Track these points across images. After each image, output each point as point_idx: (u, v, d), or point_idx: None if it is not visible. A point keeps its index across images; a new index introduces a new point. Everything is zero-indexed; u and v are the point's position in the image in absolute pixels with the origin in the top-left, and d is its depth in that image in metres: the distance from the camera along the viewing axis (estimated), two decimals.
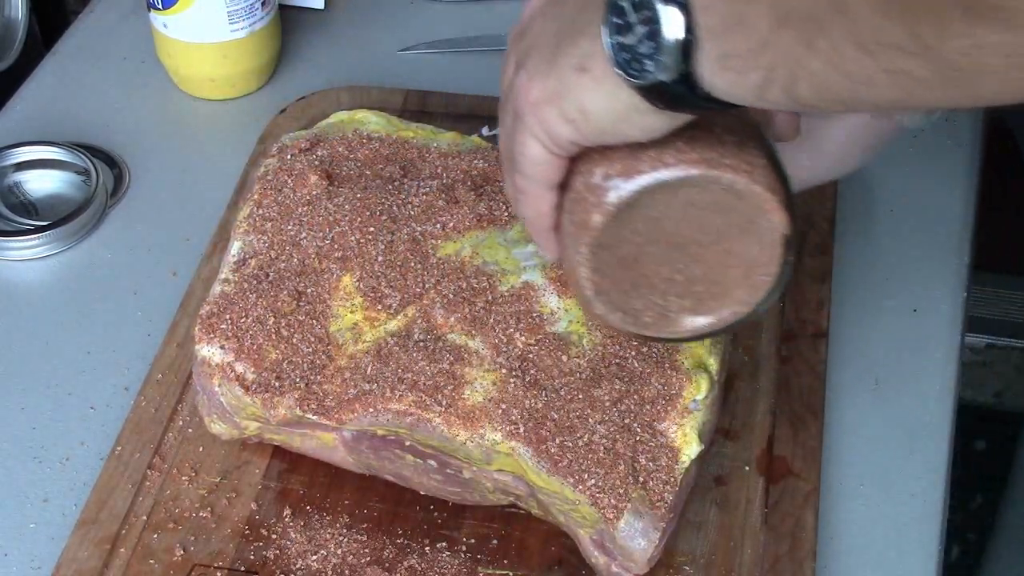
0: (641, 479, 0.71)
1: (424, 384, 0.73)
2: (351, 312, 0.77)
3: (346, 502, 0.80)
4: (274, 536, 0.77)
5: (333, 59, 1.14)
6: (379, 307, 0.77)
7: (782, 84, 0.54)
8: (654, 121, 0.60)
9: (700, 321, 0.67)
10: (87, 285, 0.96)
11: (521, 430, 0.72)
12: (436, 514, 0.79)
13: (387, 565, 0.76)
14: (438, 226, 0.80)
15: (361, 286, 0.78)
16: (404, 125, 0.89)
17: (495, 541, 0.77)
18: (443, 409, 0.73)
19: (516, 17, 0.90)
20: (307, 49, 1.15)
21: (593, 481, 0.71)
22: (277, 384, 0.75)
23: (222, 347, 0.77)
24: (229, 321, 0.77)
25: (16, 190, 1.03)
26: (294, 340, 0.76)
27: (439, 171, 0.84)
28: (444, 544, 0.77)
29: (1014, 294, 1.79)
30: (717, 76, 0.55)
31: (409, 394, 0.73)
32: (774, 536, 0.77)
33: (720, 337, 0.76)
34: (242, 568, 0.76)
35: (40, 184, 1.03)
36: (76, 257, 0.98)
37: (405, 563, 0.76)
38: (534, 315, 0.76)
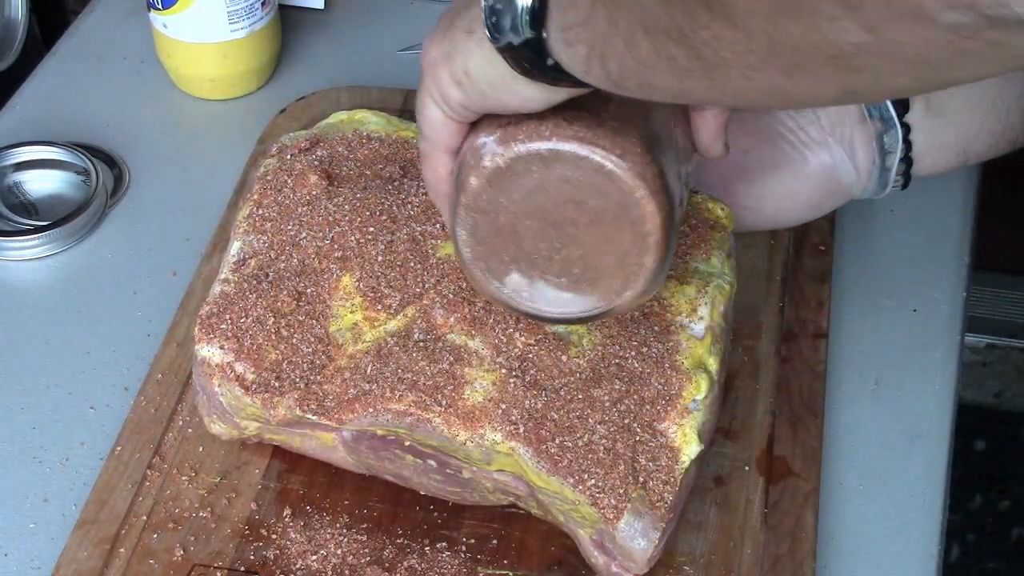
0: (641, 479, 0.71)
1: (424, 384, 0.73)
2: (351, 312, 0.77)
3: (346, 502, 0.80)
4: (274, 536, 0.77)
5: (333, 59, 1.14)
6: (379, 307, 0.77)
7: (599, 60, 0.56)
8: (529, 91, 0.62)
9: (574, 304, 0.69)
10: (87, 285, 0.96)
11: (521, 430, 0.72)
12: (436, 514, 0.79)
13: (387, 565, 0.76)
14: (438, 226, 0.80)
15: (361, 286, 0.78)
16: (404, 125, 0.89)
17: (495, 541, 0.77)
18: (443, 409, 0.73)
19: None
20: (307, 49, 1.15)
21: (593, 481, 0.71)
22: (277, 384, 0.75)
23: (222, 347, 0.77)
24: (229, 321, 0.77)
25: (16, 190, 1.03)
26: (294, 340, 0.76)
27: None
28: (444, 544, 0.77)
29: (1014, 294, 1.80)
30: (559, 47, 0.58)
31: (409, 394, 0.73)
32: (774, 536, 0.77)
33: (720, 338, 0.76)
34: (242, 568, 0.76)
35: (40, 184, 1.03)
36: (76, 257, 0.98)
37: (405, 563, 0.76)
38: None
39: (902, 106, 0.82)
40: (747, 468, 0.80)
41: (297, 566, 0.76)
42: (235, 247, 0.81)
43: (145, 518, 0.78)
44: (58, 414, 0.87)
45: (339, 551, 0.76)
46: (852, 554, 0.79)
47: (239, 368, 0.76)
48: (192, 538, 0.77)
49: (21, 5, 1.22)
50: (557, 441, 0.72)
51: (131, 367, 0.89)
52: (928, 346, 0.90)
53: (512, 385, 0.73)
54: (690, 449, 0.72)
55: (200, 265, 0.94)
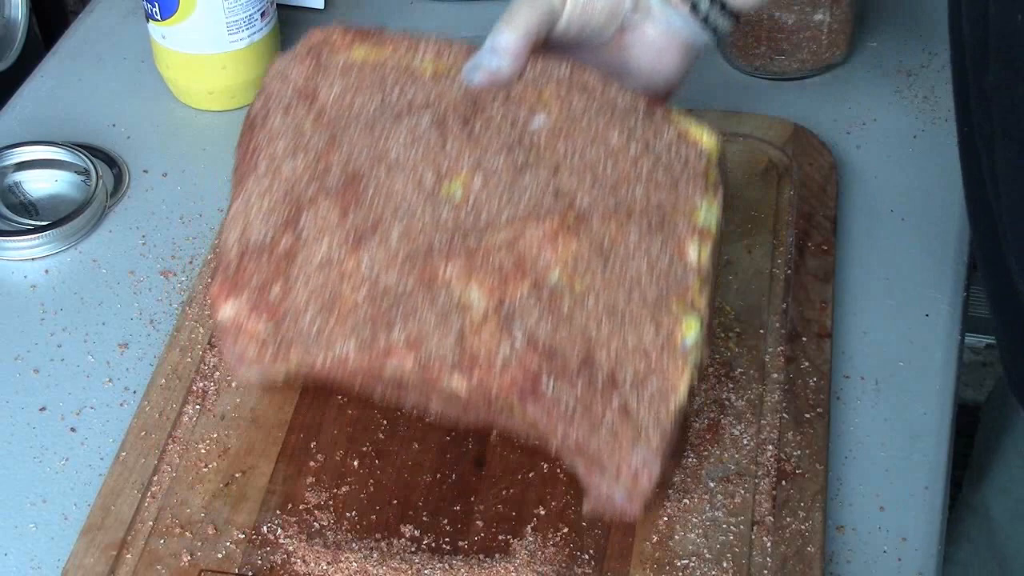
0: (635, 415, 0.72)
1: (424, 336, 0.74)
2: (351, 261, 0.76)
3: (353, 505, 0.79)
4: (282, 541, 0.77)
5: None
6: (378, 255, 0.77)
7: None
8: None
9: None
10: (87, 285, 0.96)
11: (518, 378, 0.73)
12: (443, 517, 0.79)
13: (395, 568, 0.76)
14: (431, 168, 0.79)
15: (358, 234, 0.77)
16: (384, 39, 0.86)
17: (499, 543, 0.77)
18: (443, 359, 0.73)
19: None
20: None
21: (590, 422, 0.72)
22: (287, 338, 0.75)
23: (233, 305, 0.76)
24: (239, 278, 0.77)
25: (16, 190, 1.03)
26: (302, 293, 0.76)
27: (431, 98, 0.82)
28: (450, 546, 0.77)
29: None
30: None
31: (410, 347, 0.74)
32: (782, 536, 0.77)
33: (708, 278, 0.77)
34: (250, 573, 0.76)
35: (40, 184, 1.03)
36: (76, 257, 0.98)
37: (414, 566, 0.76)
38: (529, 264, 0.75)
39: None
40: (753, 468, 0.80)
41: (304, 571, 0.76)
42: (238, 202, 0.80)
43: (151, 523, 0.78)
44: (58, 414, 0.87)
45: (347, 555, 0.76)
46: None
47: (251, 324, 0.76)
48: (199, 543, 0.77)
49: (21, 5, 1.22)
50: (553, 386, 0.72)
51: (131, 368, 0.89)
52: (928, 346, 0.90)
53: (507, 333, 0.73)
54: (683, 385, 0.73)
55: (201, 266, 0.94)
